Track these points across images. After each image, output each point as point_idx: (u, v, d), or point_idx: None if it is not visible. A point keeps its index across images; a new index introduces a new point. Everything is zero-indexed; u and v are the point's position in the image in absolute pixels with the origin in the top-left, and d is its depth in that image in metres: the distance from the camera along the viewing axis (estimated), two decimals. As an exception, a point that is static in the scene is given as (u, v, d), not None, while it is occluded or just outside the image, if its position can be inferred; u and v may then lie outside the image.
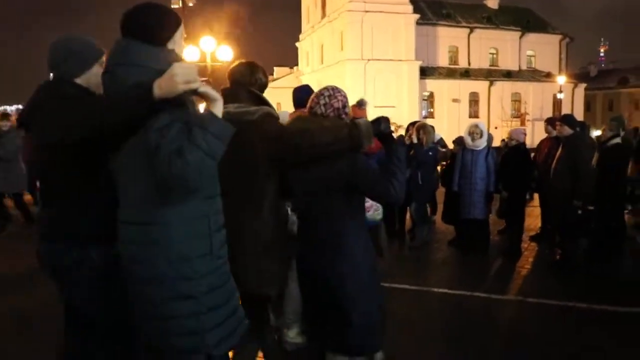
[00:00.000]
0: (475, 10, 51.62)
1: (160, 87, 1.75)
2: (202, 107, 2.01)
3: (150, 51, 1.94)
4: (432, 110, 48.31)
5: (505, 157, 7.39)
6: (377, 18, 43.61)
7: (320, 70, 49.09)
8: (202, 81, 1.88)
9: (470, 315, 4.87)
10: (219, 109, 1.88)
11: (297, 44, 56.40)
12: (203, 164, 1.75)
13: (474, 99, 49.35)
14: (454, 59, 50.16)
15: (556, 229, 6.77)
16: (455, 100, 47.89)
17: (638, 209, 8.93)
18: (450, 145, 8.48)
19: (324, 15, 48.61)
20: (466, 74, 49.25)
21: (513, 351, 4.11)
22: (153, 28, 1.98)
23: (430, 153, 7.49)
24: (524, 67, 51.97)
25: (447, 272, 6.62)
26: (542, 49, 52.29)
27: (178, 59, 2.01)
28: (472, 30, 49.80)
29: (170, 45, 2.04)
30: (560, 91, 42.28)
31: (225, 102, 2.07)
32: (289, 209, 2.98)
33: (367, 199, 2.90)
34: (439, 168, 8.98)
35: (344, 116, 2.70)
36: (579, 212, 5.96)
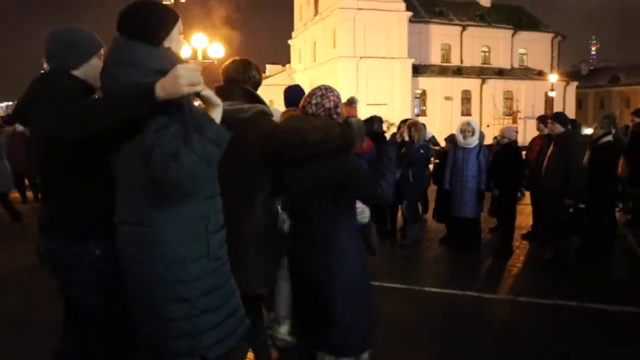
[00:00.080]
0: (468, 8, 51.71)
1: (164, 88, 1.72)
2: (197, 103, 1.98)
3: (146, 50, 1.92)
4: (424, 108, 48.42)
5: (497, 155, 7.36)
6: (369, 15, 43.61)
7: (312, 68, 49.05)
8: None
9: (461, 315, 4.83)
10: (218, 114, 1.85)
11: (289, 42, 56.29)
12: (197, 169, 1.72)
13: (466, 97, 49.51)
14: (446, 57, 50.26)
15: (548, 227, 6.75)
16: (447, 98, 48.00)
17: (629, 207, 8.96)
18: (443, 143, 8.45)
19: (316, 12, 48.53)
20: (458, 71, 49.38)
21: (505, 350, 4.08)
22: (148, 26, 1.95)
23: (422, 151, 7.46)
24: (516, 65, 52.19)
25: (438, 270, 6.59)
26: (534, 47, 52.51)
27: (175, 57, 1.99)
28: (464, 28, 49.92)
29: (167, 43, 2.01)
30: (552, 89, 42.44)
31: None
32: (278, 207, 2.97)
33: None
34: (430, 166, 8.94)
35: (335, 116, 2.70)
36: (571, 210, 5.93)
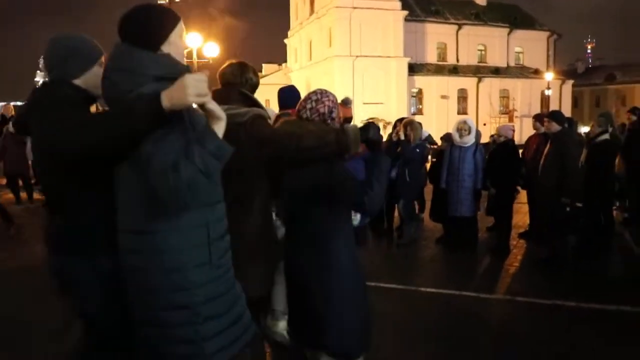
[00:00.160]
0: (464, 6, 51.73)
1: (170, 99, 1.69)
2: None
3: (145, 56, 1.88)
4: (420, 106, 48.45)
5: (493, 153, 7.33)
6: (365, 14, 43.57)
7: (308, 67, 49.01)
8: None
9: (458, 315, 4.80)
10: (220, 128, 1.81)
11: (285, 41, 56.22)
12: (196, 182, 1.69)
13: (462, 96, 49.55)
14: (442, 56, 50.29)
15: (544, 225, 6.73)
16: (443, 97, 48.04)
17: (626, 205, 8.94)
18: (439, 142, 8.42)
19: (312, 11, 48.48)
20: (454, 70, 49.41)
21: (502, 351, 4.05)
22: (145, 31, 1.91)
23: (418, 150, 7.42)
24: (512, 64, 52.24)
25: (435, 270, 6.56)
26: (530, 45, 52.58)
27: (177, 62, 1.94)
28: (460, 26, 49.94)
29: (165, 48, 1.95)
30: (548, 87, 42.58)
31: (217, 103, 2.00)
32: (273, 214, 2.96)
33: None
34: (428, 165, 8.92)
35: (329, 121, 2.69)
36: (568, 209, 5.90)
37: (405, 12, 45.49)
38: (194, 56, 13.84)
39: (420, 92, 48.39)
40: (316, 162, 2.52)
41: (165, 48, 1.95)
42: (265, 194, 2.67)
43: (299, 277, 2.67)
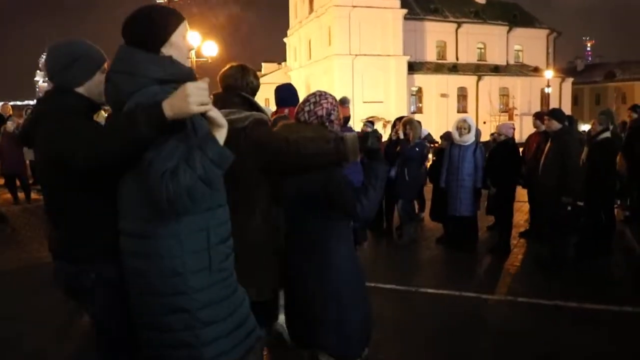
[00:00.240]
0: (463, 4, 51.63)
1: (173, 108, 1.68)
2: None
3: (145, 58, 1.86)
4: (420, 105, 48.39)
5: (493, 152, 7.26)
6: (364, 13, 43.50)
7: (308, 66, 48.96)
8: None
9: (459, 317, 4.75)
10: (222, 136, 1.80)
11: (284, 40, 56.16)
12: (195, 188, 1.69)
13: (462, 94, 49.48)
14: (441, 54, 50.22)
15: (545, 225, 6.66)
16: (443, 95, 47.98)
17: (627, 204, 8.88)
18: (439, 141, 8.36)
19: (311, 10, 48.41)
20: (454, 68, 49.34)
21: (503, 353, 4.02)
22: (144, 33, 1.89)
23: (417, 149, 7.37)
24: (511, 62, 52.16)
25: (435, 271, 6.51)
26: (530, 43, 52.51)
27: (179, 64, 1.91)
28: (459, 25, 49.86)
29: (166, 50, 1.91)
30: (548, 85, 42.49)
31: (217, 107, 1.99)
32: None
33: None
34: (428, 164, 8.86)
35: (327, 124, 2.68)
36: (569, 208, 5.83)
37: (405, 11, 45.41)
38: (193, 55, 13.78)
39: (419, 90, 48.33)
40: (313, 169, 2.51)
41: (167, 50, 1.92)
42: (267, 198, 2.66)
43: (299, 278, 2.66)
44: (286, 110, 3.85)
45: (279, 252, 2.72)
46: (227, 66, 2.83)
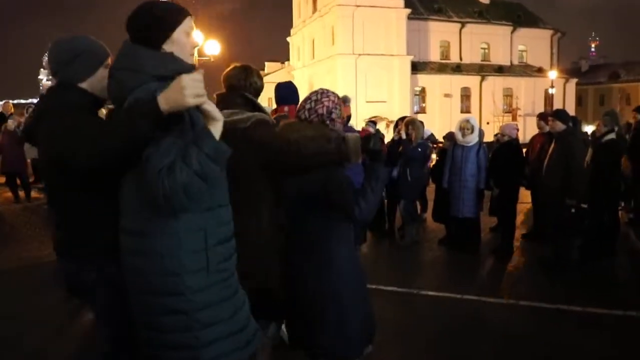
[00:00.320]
0: (467, 4, 51.55)
1: (168, 101, 1.66)
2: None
3: (146, 54, 1.84)
4: (423, 105, 48.34)
5: (497, 153, 7.21)
6: (368, 12, 43.47)
7: (311, 65, 48.95)
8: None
9: (461, 320, 4.70)
10: (218, 129, 1.76)
11: (288, 39, 56.16)
12: (192, 185, 1.66)
13: (465, 94, 49.40)
14: (445, 54, 50.15)
15: (549, 226, 6.61)
16: (447, 96, 47.92)
17: (631, 206, 8.82)
18: (442, 141, 8.31)
19: (314, 9, 48.39)
20: (458, 69, 49.26)
21: (505, 357, 3.97)
22: (146, 30, 1.87)
23: (419, 149, 7.32)
24: (515, 62, 52.07)
25: (437, 273, 6.46)
26: (534, 43, 52.38)
27: (177, 60, 1.87)
28: (463, 25, 49.79)
29: (167, 47, 1.88)
30: (552, 86, 42.36)
31: (220, 108, 1.99)
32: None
33: None
34: (430, 164, 8.81)
35: (328, 122, 2.66)
36: (573, 210, 5.78)
37: (408, 10, 45.35)
38: (195, 54, 13.76)
39: (423, 90, 48.27)
40: (315, 169, 2.49)
41: (168, 46, 1.89)
42: (269, 199, 2.63)
43: (299, 278, 2.64)
44: (286, 109, 3.81)
45: (282, 252, 2.69)
46: (231, 66, 2.81)
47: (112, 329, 2.26)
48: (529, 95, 49.64)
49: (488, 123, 43.16)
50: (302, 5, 51.86)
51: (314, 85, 41.15)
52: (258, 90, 2.79)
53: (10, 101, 12.98)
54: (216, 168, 1.72)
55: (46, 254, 6.20)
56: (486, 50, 51.38)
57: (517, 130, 7.46)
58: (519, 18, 52.30)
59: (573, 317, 4.73)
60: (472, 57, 50.40)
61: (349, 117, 5.94)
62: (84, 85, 2.20)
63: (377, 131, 7.86)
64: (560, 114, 6.31)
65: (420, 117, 30.31)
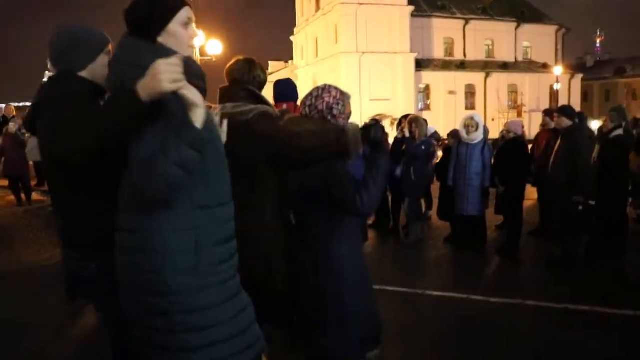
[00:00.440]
0: (470, 1, 51.40)
1: (145, 89, 1.62)
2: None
3: (140, 47, 1.82)
4: (428, 102, 48.29)
5: (502, 150, 7.13)
6: (371, 10, 43.41)
7: (315, 64, 48.93)
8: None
9: (466, 321, 4.62)
10: (198, 117, 1.68)
11: (291, 38, 56.15)
12: (170, 175, 1.62)
13: (470, 91, 49.31)
14: (449, 51, 50.04)
15: (555, 224, 6.52)
16: (451, 93, 47.85)
17: (639, 203, 8.71)
18: (446, 138, 8.24)
19: (318, 8, 48.35)
20: (462, 65, 49.14)
21: (510, 358, 3.91)
22: (140, 22, 1.85)
23: (423, 147, 7.25)
24: (520, 59, 51.90)
25: (441, 272, 6.39)
26: (538, 39, 52.19)
27: (171, 53, 1.80)
28: (467, 21, 49.65)
29: (162, 39, 1.85)
30: (557, 82, 42.15)
31: (224, 101, 2.09)
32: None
33: None
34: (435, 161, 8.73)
35: (329, 117, 2.62)
36: (580, 208, 5.69)
37: (412, 8, 45.25)
38: (197, 54, 13.71)
39: (427, 87, 48.20)
40: (317, 162, 2.46)
41: (164, 39, 1.86)
42: (273, 192, 2.60)
43: (301, 275, 2.62)
44: (284, 106, 3.74)
45: (286, 248, 2.67)
46: (234, 60, 2.78)
47: (114, 323, 2.23)
48: (534, 92, 49.49)
49: (493, 120, 43.06)
50: (305, 4, 51.83)
51: (318, 84, 41.08)
52: (262, 84, 2.77)
53: (12, 104, 13.02)
54: (197, 156, 1.66)
55: (46, 257, 6.23)
56: (490, 47, 51.24)
57: (523, 127, 7.38)
58: (523, 14, 52.11)
59: (580, 316, 4.64)
60: (476, 53, 50.26)
61: (349, 114, 5.88)
62: (84, 73, 2.18)
63: (378, 121, 7.78)
64: (566, 110, 6.22)
65: (424, 114, 30.25)
